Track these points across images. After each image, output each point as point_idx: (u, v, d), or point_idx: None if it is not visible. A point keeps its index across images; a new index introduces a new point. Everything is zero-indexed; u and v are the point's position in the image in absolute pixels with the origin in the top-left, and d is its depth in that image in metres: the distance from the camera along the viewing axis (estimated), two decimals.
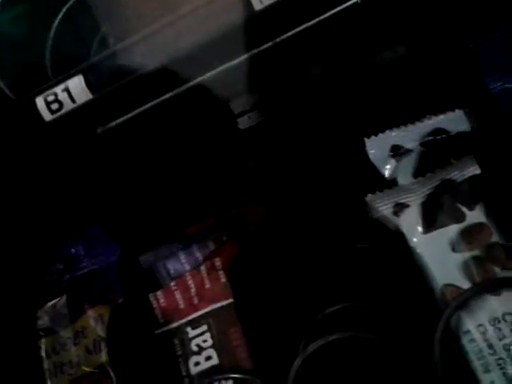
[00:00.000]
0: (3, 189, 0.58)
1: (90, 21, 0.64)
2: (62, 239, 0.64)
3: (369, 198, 0.52)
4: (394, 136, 0.56)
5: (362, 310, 0.52)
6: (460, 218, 0.49)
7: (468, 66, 0.57)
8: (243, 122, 0.65)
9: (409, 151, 0.56)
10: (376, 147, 0.56)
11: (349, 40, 0.61)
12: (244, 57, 0.53)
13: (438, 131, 0.56)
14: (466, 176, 0.51)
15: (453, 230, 0.49)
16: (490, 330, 0.45)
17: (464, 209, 0.50)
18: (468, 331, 0.46)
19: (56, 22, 0.63)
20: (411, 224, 0.50)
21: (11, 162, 0.56)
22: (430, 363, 0.45)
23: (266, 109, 0.65)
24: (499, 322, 0.45)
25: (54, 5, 0.65)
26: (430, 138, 0.56)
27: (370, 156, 0.56)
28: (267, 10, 0.48)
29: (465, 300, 0.45)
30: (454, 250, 0.48)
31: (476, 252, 0.48)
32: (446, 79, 0.59)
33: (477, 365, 0.45)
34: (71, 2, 0.64)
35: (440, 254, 0.48)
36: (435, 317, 0.46)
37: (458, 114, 0.55)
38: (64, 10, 0.64)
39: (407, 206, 0.50)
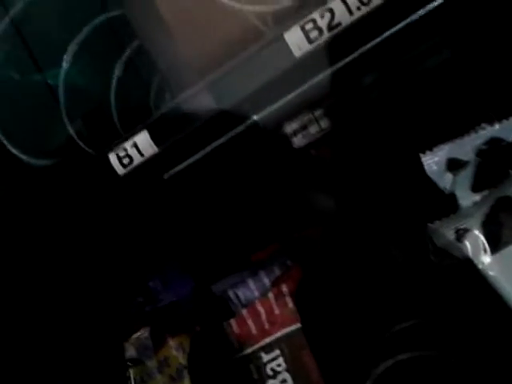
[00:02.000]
0: (90, 235, 0.64)
1: (150, 69, 0.68)
2: (142, 276, 0.68)
3: (430, 227, 0.51)
4: (449, 149, 0.55)
5: (431, 328, 0.52)
6: None
7: None
8: (298, 141, 0.67)
9: (465, 163, 0.55)
10: (432, 162, 0.55)
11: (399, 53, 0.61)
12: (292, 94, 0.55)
13: (493, 141, 0.55)
14: None
15: None
16: None
17: None
18: None
19: (116, 72, 0.68)
20: (477, 247, 0.48)
21: (94, 213, 0.61)
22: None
23: (320, 125, 0.66)
24: None
25: (114, 57, 0.70)
26: (486, 148, 0.55)
27: (427, 171, 0.56)
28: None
29: None
30: None
31: None
32: (494, 86, 0.58)
33: None
34: (130, 53, 0.69)
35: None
36: None
37: None
38: (123, 60, 0.69)
39: (468, 230, 0.49)
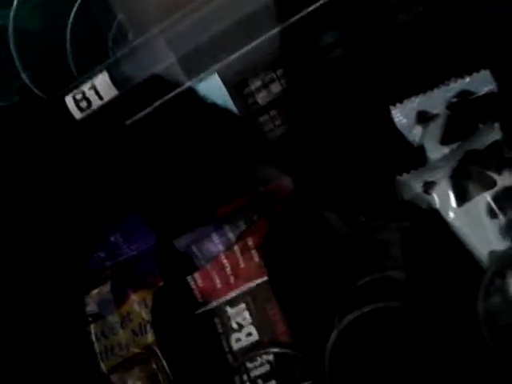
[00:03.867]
0: (42, 184, 0.60)
1: (107, 12, 0.64)
2: (101, 228, 0.66)
3: (397, 180, 0.50)
4: (419, 102, 0.54)
5: (396, 280, 0.52)
6: (490, 184, 0.47)
7: (485, 27, 0.55)
8: (263, 97, 0.65)
9: (435, 116, 0.53)
10: (402, 114, 0.54)
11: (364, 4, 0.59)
12: (263, 38, 0.53)
13: (464, 93, 0.54)
14: (489, 142, 0.48)
15: (486, 197, 0.47)
16: None
17: (492, 174, 0.48)
18: None
19: (72, 15, 0.63)
20: (444, 199, 0.48)
21: (47, 159, 0.57)
22: (471, 330, 0.46)
23: (285, 82, 0.64)
24: None
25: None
26: (457, 100, 0.54)
27: (397, 124, 0.54)
28: None
29: (506, 259, 0.44)
30: (490, 216, 0.47)
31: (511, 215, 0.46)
32: (464, 40, 0.57)
33: None
34: None
35: (478, 224, 0.47)
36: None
37: (484, 74, 0.52)
38: (77, 3, 0.64)
39: (436, 182, 0.49)
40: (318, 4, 0.50)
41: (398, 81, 0.59)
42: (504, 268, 0.45)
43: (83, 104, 0.48)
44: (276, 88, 0.64)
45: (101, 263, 0.65)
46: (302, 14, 0.54)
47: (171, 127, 0.60)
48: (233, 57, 0.52)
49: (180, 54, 0.50)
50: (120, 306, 0.62)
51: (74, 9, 0.63)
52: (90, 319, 0.63)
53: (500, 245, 0.46)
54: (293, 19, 0.52)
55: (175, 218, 0.65)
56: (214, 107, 0.61)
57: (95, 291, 0.64)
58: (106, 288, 0.63)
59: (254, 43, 0.54)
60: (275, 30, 0.55)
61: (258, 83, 0.64)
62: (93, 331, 0.62)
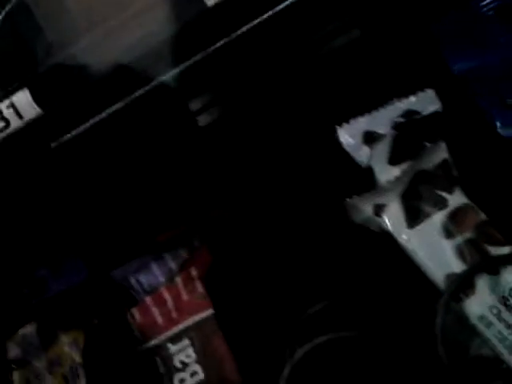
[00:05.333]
0: None
1: (33, 26, 0.59)
2: (26, 263, 0.60)
3: (347, 203, 0.49)
4: (365, 122, 0.53)
5: (348, 307, 0.50)
6: (442, 203, 0.46)
7: (427, 47, 0.55)
8: (203, 119, 0.62)
9: (382, 136, 0.52)
10: (348, 135, 0.53)
11: (304, 28, 0.58)
12: (199, 56, 0.49)
13: (409, 113, 0.53)
14: (438, 161, 0.48)
15: (438, 217, 0.46)
16: (503, 309, 0.42)
17: (443, 194, 0.47)
18: (482, 316, 0.43)
19: None
20: (396, 222, 0.46)
21: None
22: (428, 355, 0.44)
23: (226, 104, 0.62)
24: (508, 299, 0.43)
25: None
26: (402, 120, 0.52)
27: (344, 144, 0.53)
28: (218, 5, 0.44)
29: (461, 283, 0.43)
30: (444, 237, 0.45)
31: (467, 234, 0.45)
32: (407, 61, 0.57)
33: (501, 348, 0.42)
34: (8, 9, 0.59)
35: (432, 245, 0.45)
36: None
37: (429, 94, 0.52)
38: (3, 13, 0.59)
39: (386, 204, 0.47)
40: (261, 18, 0.48)
41: (342, 101, 0.58)
42: (460, 291, 0.43)
43: (0, 124, 0.43)
44: (218, 110, 0.61)
45: (26, 301, 0.59)
46: (243, 29, 0.51)
47: (103, 149, 0.56)
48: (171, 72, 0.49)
49: (109, 69, 0.46)
50: (48, 349, 0.56)
51: None
52: (13, 366, 0.56)
53: (457, 266, 0.44)
54: (233, 35, 0.49)
55: (109, 249, 0.60)
56: (150, 127, 0.58)
57: (19, 333, 0.57)
58: (31, 329, 0.57)
59: (190, 61, 0.51)
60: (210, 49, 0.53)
61: (199, 104, 0.61)
62: (17, 379, 0.56)
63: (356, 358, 0.47)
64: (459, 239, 0.45)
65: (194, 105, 0.61)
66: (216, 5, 0.44)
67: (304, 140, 0.58)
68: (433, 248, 0.45)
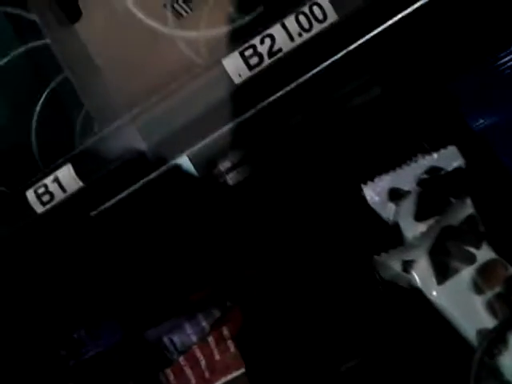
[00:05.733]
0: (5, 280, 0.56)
1: (73, 103, 0.63)
2: (63, 326, 0.61)
3: (375, 260, 0.49)
4: (389, 179, 0.54)
5: (379, 365, 0.50)
6: (470, 259, 0.47)
7: (446, 106, 0.57)
8: (233, 178, 0.64)
9: (407, 193, 0.53)
10: (374, 192, 0.54)
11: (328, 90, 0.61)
12: (228, 127, 0.52)
13: (433, 170, 0.53)
14: (463, 217, 0.48)
15: (467, 273, 0.46)
16: None
17: (471, 249, 0.47)
18: None
19: (38, 107, 0.62)
20: (425, 278, 0.47)
21: (7, 254, 0.54)
22: None
23: (254, 162, 0.64)
24: None
25: (35, 90, 0.64)
26: (426, 176, 0.54)
27: (369, 202, 0.54)
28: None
29: (494, 338, 0.43)
30: (474, 292, 0.45)
31: (497, 289, 0.45)
32: (427, 120, 0.59)
33: None
34: (52, 86, 0.64)
35: (463, 301, 0.45)
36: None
37: (452, 150, 0.53)
38: (45, 94, 0.63)
39: (415, 261, 0.47)
40: (281, 92, 0.51)
41: (366, 160, 0.59)
42: (494, 347, 0.43)
43: (45, 198, 0.46)
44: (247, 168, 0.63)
45: (63, 363, 0.60)
46: (267, 101, 0.54)
47: (139, 215, 0.58)
48: (204, 142, 0.52)
49: (146, 144, 0.49)
50: None
51: (42, 99, 0.63)
52: None
53: (488, 321, 0.44)
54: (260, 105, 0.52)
55: (145, 310, 0.61)
56: (182, 192, 0.60)
57: None
58: None
59: (225, 128, 0.54)
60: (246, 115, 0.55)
61: (228, 164, 0.63)
62: None
63: None
64: (489, 294, 0.45)
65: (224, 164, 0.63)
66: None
67: (330, 199, 0.60)
68: (463, 304, 0.45)
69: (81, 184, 0.47)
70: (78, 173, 0.47)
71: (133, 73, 0.56)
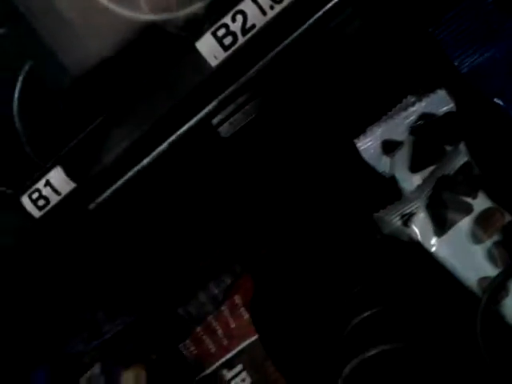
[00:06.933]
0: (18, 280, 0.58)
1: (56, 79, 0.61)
2: (82, 310, 0.63)
3: (374, 217, 0.49)
4: (381, 131, 0.53)
5: (388, 318, 0.51)
6: (467, 209, 0.47)
7: (430, 49, 0.55)
8: (225, 130, 0.64)
9: (400, 143, 0.52)
10: (367, 147, 0.53)
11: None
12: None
13: (423, 116, 0.52)
14: (459, 165, 0.48)
15: (465, 223, 0.46)
16: None
17: (468, 199, 0.47)
18: None
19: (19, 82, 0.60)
20: (424, 231, 0.47)
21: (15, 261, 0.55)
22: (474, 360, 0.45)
23: (246, 113, 0.63)
24: None
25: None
26: (418, 124, 0.52)
27: (364, 157, 0.53)
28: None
29: (498, 286, 0.44)
30: (473, 242, 0.46)
31: (495, 237, 0.45)
32: (412, 64, 0.57)
33: None
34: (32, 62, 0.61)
35: (462, 251, 0.46)
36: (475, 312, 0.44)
37: (440, 94, 0.51)
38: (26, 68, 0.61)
39: (413, 214, 0.48)
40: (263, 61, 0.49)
41: (353, 110, 0.58)
42: (498, 294, 0.44)
43: (41, 202, 0.46)
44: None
45: (87, 344, 0.63)
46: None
47: (140, 198, 0.58)
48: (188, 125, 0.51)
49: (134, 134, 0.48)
50: None
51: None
52: None
53: (489, 270, 0.45)
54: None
55: (156, 284, 0.63)
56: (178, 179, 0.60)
57: (86, 375, 0.61)
58: (96, 370, 0.61)
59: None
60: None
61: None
62: None
63: (402, 369, 0.48)
64: (488, 243, 0.46)
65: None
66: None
67: (324, 153, 0.59)
68: (463, 254, 0.46)
69: (73, 185, 0.47)
70: (69, 173, 0.47)
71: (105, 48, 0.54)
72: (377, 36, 0.57)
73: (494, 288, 0.44)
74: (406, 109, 0.54)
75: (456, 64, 0.52)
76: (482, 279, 0.45)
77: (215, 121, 0.62)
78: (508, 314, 0.44)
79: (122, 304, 0.62)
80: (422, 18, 0.53)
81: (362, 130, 0.55)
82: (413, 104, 0.54)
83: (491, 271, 0.45)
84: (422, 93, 0.54)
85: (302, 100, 0.59)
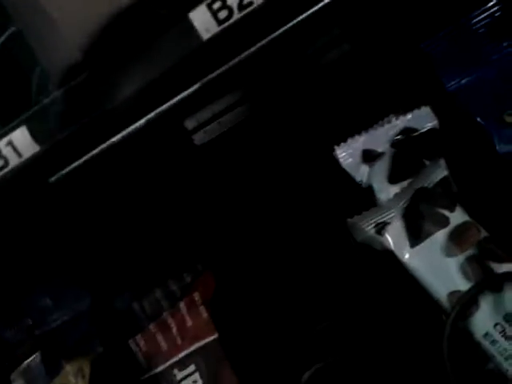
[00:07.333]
0: None
1: (29, 60, 0.59)
2: (28, 294, 0.60)
3: (348, 222, 0.49)
4: (363, 141, 0.53)
5: (350, 327, 0.50)
6: (444, 222, 0.46)
7: (420, 66, 0.56)
8: (199, 138, 0.62)
9: (381, 154, 0.53)
10: (347, 154, 0.53)
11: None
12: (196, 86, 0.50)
13: (406, 130, 0.53)
14: (437, 179, 0.48)
15: (440, 235, 0.46)
16: (507, 326, 0.42)
17: (445, 212, 0.47)
18: (487, 333, 0.43)
19: None
20: (398, 240, 0.46)
21: None
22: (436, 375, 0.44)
23: (223, 122, 0.62)
24: None
25: None
26: (400, 138, 0.53)
27: (342, 164, 0.53)
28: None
29: (467, 301, 0.43)
30: (447, 255, 0.45)
31: (469, 252, 0.45)
32: (401, 80, 0.57)
33: (506, 365, 0.42)
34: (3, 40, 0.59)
35: (435, 264, 0.45)
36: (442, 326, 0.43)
37: (425, 111, 0.52)
38: None
39: (388, 223, 0.47)
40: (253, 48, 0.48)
41: (339, 120, 0.58)
42: (466, 309, 0.44)
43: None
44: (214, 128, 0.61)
45: (29, 332, 0.59)
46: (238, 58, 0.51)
47: (103, 178, 0.56)
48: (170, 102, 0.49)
49: (106, 104, 0.46)
50: (53, 379, 0.56)
51: None
52: None
53: (460, 284, 0.45)
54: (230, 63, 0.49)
55: (112, 276, 0.60)
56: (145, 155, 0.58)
57: (23, 365, 0.57)
58: (36, 359, 0.57)
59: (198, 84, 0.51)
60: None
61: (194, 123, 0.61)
62: None
63: (361, 379, 0.47)
64: (461, 257, 0.45)
65: (190, 123, 0.61)
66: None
67: (302, 160, 0.59)
68: (435, 266, 0.46)
69: (37, 148, 0.44)
70: (34, 135, 0.43)
71: (91, 21, 0.52)
72: (368, 49, 0.57)
73: (463, 302, 0.43)
74: (390, 121, 0.54)
75: (444, 82, 0.53)
76: (452, 293, 0.44)
77: (190, 126, 0.61)
78: (474, 330, 0.43)
79: (73, 291, 0.59)
80: (415, 34, 0.54)
81: (344, 139, 0.55)
82: (397, 118, 0.54)
83: (462, 286, 0.44)
84: (407, 108, 0.54)
85: (289, 104, 0.58)
